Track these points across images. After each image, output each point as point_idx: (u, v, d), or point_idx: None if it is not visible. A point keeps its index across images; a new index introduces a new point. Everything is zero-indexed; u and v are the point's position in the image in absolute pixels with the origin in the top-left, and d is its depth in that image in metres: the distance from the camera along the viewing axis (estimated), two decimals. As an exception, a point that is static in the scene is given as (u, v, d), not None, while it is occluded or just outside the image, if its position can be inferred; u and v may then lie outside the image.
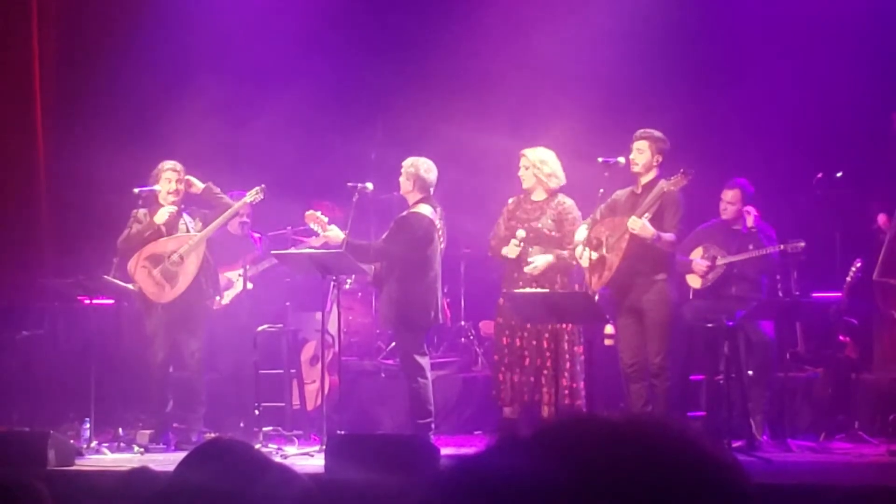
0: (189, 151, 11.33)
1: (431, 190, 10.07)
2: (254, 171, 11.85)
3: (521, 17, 12.69)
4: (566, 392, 9.87)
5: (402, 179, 10.10)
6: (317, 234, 10.30)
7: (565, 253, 9.97)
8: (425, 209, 9.97)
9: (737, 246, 10.47)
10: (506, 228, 10.11)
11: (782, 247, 10.37)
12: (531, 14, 12.69)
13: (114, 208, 11.09)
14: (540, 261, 9.97)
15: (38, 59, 12.99)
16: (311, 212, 10.31)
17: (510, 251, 10.01)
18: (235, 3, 13.17)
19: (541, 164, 10.06)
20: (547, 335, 9.85)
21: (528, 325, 9.95)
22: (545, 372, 9.86)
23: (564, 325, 9.81)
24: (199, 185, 10.74)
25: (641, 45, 12.15)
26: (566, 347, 9.89)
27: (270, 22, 13.12)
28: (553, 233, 10.02)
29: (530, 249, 10.02)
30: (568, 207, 10.07)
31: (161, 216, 10.57)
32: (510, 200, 10.24)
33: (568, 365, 9.88)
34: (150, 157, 10.90)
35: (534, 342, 9.99)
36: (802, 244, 10.27)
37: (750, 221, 10.51)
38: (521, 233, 10.00)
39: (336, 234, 10.04)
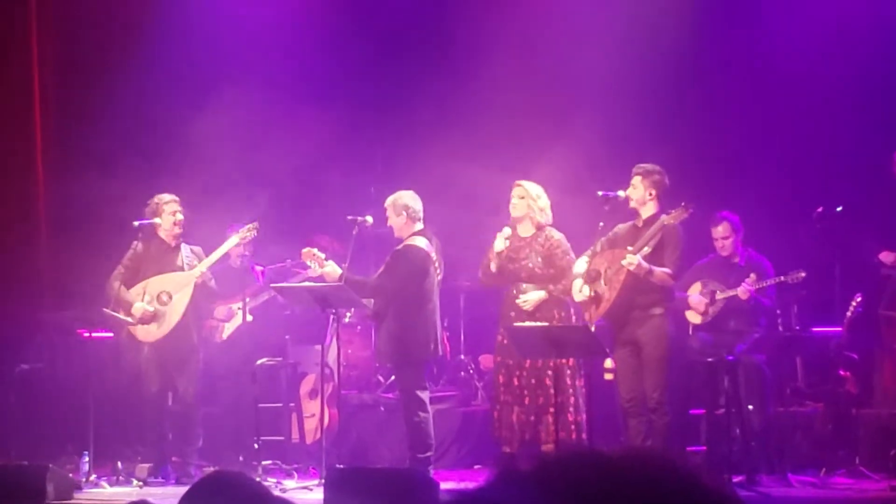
0: (189, 185, 11.34)
1: (421, 217, 10.07)
2: (253, 204, 11.85)
3: (520, 52, 12.71)
4: (573, 427, 9.86)
5: (391, 217, 10.09)
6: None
7: (558, 288, 9.99)
8: (420, 241, 9.97)
9: (734, 279, 10.45)
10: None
11: (783, 278, 10.34)
12: (529, 49, 12.72)
13: (114, 241, 11.08)
14: (532, 296, 10.00)
15: (38, 91, 13.01)
16: (307, 249, 10.33)
17: (497, 244, 10.03)
18: (236, 37, 13.18)
19: (536, 197, 10.09)
20: (550, 372, 9.83)
21: (528, 364, 9.95)
22: (551, 409, 9.81)
23: (566, 360, 9.80)
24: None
25: (639, 80, 12.17)
26: (569, 382, 9.89)
27: (271, 57, 13.15)
28: (544, 270, 10.03)
29: (523, 286, 10.05)
30: (556, 241, 10.08)
31: (137, 310, 10.53)
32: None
33: (572, 399, 9.88)
34: (149, 189, 10.91)
35: (533, 381, 9.98)
36: (803, 274, 10.24)
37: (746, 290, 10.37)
38: (507, 230, 10.02)
39: (333, 269, 10.06)
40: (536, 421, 9.94)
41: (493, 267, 10.08)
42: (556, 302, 10.07)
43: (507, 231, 10.05)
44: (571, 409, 9.86)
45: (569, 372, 9.89)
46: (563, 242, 10.09)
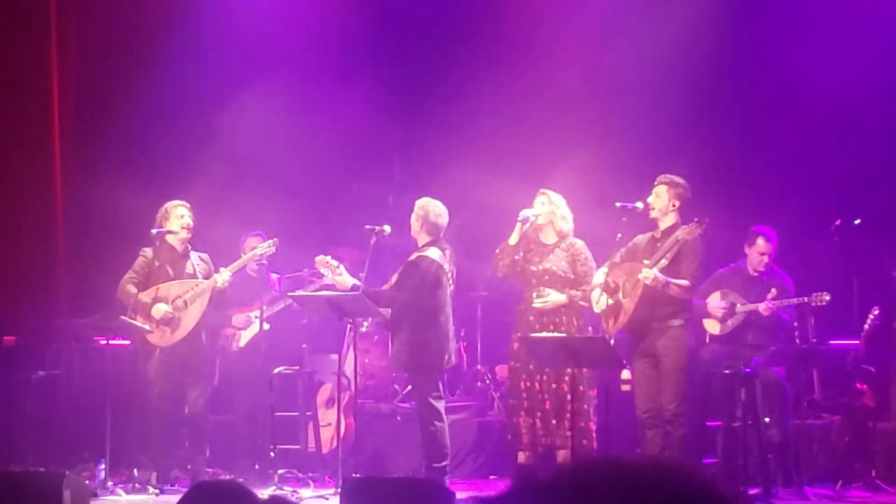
0: (206, 193, 11.36)
1: (440, 233, 10.07)
2: (272, 212, 11.88)
3: (540, 61, 12.73)
4: (593, 435, 9.88)
5: (413, 220, 10.10)
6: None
7: (578, 293, 10.01)
8: (433, 252, 9.97)
9: (756, 293, 10.42)
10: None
11: (806, 300, 10.28)
12: (549, 59, 12.72)
13: (131, 249, 11.09)
14: (553, 297, 10.01)
15: (57, 101, 13.06)
16: (321, 257, 10.34)
17: (513, 237, 10.06)
18: (252, 51, 13.22)
19: (560, 204, 10.13)
20: (567, 378, 9.86)
21: (547, 369, 9.95)
22: (566, 415, 9.83)
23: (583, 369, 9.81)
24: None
25: (659, 91, 12.19)
26: (582, 390, 9.89)
27: (289, 65, 13.17)
28: (567, 274, 10.06)
29: (545, 290, 10.06)
30: (579, 248, 10.14)
31: (159, 311, 10.54)
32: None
33: (585, 407, 9.88)
34: (167, 197, 10.92)
35: (553, 385, 9.99)
36: (827, 297, 10.17)
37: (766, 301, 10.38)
38: (525, 212, 10.04)
39: (345, 279, 10.09)
40: (558, 425, 9.94)
41: (511, 241, 10.06)
42: (574, 309, 10.08)
43: (525, 213, 10.06)
44: (583, 416, 9.85)
45: (584, 381, 9.89)
46: (586, 250, 10.15)
